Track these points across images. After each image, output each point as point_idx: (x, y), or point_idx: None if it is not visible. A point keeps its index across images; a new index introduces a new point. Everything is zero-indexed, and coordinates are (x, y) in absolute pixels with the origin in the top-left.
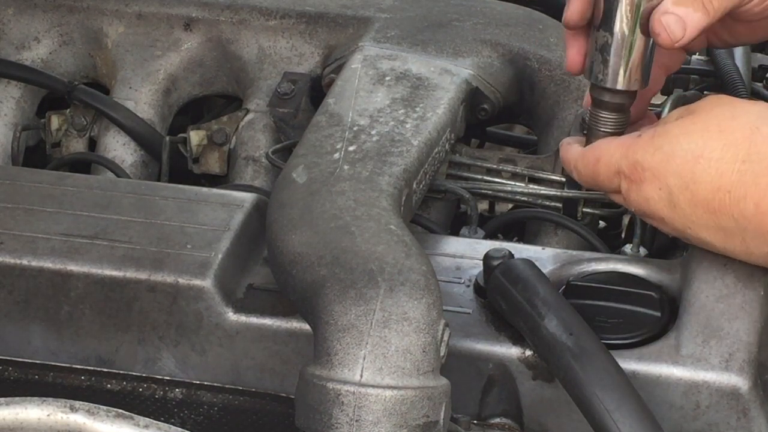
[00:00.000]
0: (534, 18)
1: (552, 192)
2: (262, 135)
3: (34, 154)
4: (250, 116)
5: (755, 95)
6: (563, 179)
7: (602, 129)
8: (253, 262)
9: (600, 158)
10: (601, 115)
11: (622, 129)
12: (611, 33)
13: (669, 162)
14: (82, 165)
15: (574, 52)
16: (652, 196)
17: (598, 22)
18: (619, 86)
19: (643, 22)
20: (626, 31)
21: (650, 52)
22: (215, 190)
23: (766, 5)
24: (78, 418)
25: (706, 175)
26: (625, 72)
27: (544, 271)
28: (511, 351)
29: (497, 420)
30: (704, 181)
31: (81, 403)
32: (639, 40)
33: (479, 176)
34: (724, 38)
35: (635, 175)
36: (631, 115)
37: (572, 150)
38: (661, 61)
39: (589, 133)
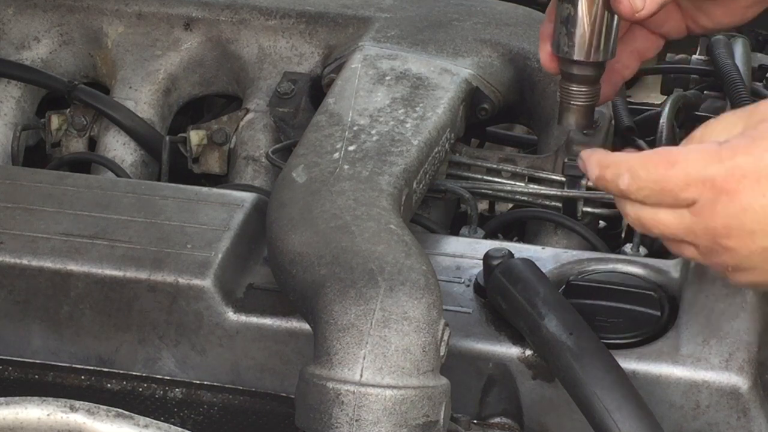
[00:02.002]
0: (534, 18)
1: (552, 192)
2: (262, 135)
3: (34, 154)
4: (250, 116)
5: (755, 95)
6: (563, 179)
7: (573, 102)
8: (253, 262)
9: (677, 162)
10: (572, 88)
11: (593, 102)
12: (573, 4)
13: None
14: (82, 165)
15: (546, 53)
16: (752, 206)
17: None
18: (585, 57)
19: None
20: (587, 3)
21: (615, 24)
22: (215, 190)
23: None
24: (78, 418)
25: None
26: (589, 43)
27: (544, 271)
28: (511, 351)
29: (497, 419)
30: None
31: (81, 402)
32: (600, 10)
33: (479, 176)
34: (702, 23)
35: (730, 182)
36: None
37: (618, 156)
38: (634, 45)
39: (561, 108)
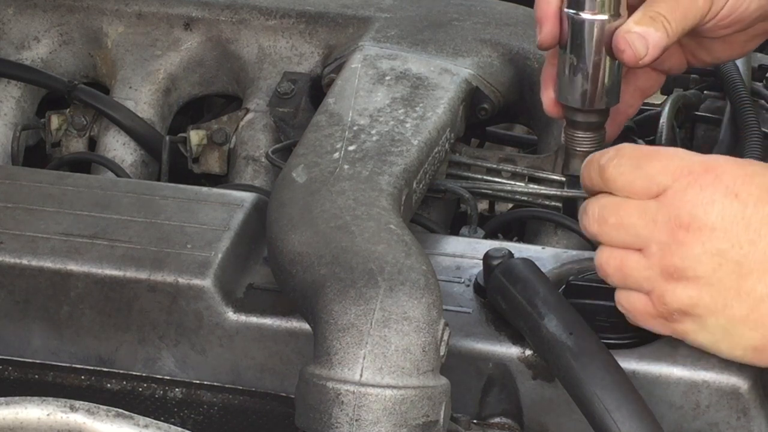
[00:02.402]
0: (534, 18)
1: (552, 192)
2: (262, 135)
3: (34, 154)
4: (250, 116)
5: (755, 95)
6: (563, 179)
7: (578, 149)
8: (253, 262)
9: (661, 150)
10: (577, 134)
11: (598, 147)
12: (577, 54)
13: (753, 177)
14: (82, 165)
15: (549, 96)
16: (722, 201)
17: (565, 43)
18: (589, 105)
19: (607, 42)
20: (591, 52)
21: (617, 70)
22: (215, 190)
23: (732, 19)
24: (78, 418)
25: None
26: (593, 92)
27: (544, 270)
28: (511, 350)
29: (497, 419)
30: None
31: (81, 402)
32: (604, 59)
33: (479, 176)
34: (702, 57)
35: (707, 176)
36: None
37: (609, 151)
38: (636, 84)
39: (566, 154)
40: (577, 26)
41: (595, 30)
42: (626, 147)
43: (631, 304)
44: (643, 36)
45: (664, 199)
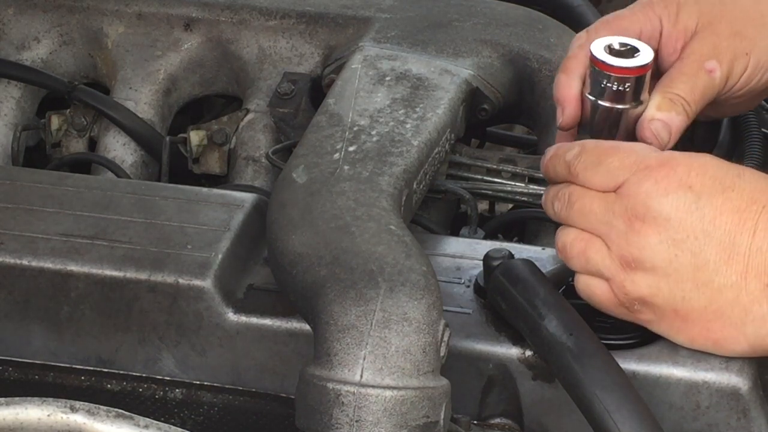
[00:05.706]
0: (534, 18)
1: None
2: (262, 135)
3: (34, 154)
4: (250, 116)
5: None
6: None
7: None
8: (253, 262)
9: (623, 146)
10: None
11: None
12: (597, 137)
13: (706, 169)
14: (82, 165)
15: None
16: (676, 193)
17: (585, 124)
18: None
19: (629, 127)
20: (612, 138)
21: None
22: (215, 190)
23: (745, 91)
24: (78, 418)
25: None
26: None
27: (544, 271)
28: (511, 351)
29: (497, 420)
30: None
31: (81, 403)
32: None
33: (479, 176)
34: (709, 114)
35: (661, 170)
36: None
37: (574, 147)
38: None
39: None
40: (599, 113)
41: (617, 117)
42: (589, 143)
43: (591, 290)
44: (666, 123)
45: (621, 192)
